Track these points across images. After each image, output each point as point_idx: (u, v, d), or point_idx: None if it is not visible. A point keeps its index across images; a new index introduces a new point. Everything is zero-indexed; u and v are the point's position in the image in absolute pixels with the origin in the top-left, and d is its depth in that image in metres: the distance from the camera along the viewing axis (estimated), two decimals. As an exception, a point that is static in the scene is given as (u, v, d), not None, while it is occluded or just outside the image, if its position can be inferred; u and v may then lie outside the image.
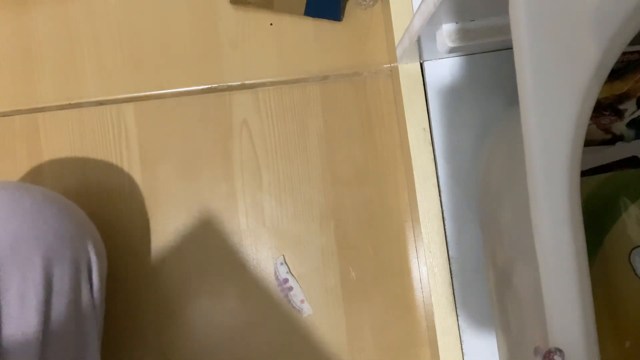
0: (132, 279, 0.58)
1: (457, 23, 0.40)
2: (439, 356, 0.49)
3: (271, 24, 0.59)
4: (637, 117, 0.47)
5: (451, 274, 0.49)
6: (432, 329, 0.51)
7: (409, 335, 0.57)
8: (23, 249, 0.38)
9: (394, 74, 0.56)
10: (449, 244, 0.49)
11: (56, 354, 0.39)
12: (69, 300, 0.41)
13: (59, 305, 0.39)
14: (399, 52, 0.49)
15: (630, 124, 0.48)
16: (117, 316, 0.57)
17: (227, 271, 0.58)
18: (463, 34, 0.40)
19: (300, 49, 0.59)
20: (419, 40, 0.43)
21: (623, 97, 0.46)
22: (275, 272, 0.58)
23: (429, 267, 0.49)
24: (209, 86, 0.59)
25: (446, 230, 0.50)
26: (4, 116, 0.59)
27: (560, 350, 0.24)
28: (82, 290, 0.42)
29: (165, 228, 0.58)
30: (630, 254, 0.41)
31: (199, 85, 0.59)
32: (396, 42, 0.50)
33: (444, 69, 0.50)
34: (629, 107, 0.47)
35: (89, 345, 0.43)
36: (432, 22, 0.38)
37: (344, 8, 0.58)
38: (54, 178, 0.59)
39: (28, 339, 0.37)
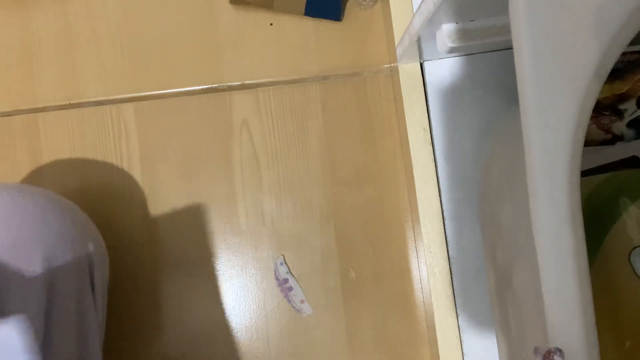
0: (132, 278, 0.58)
1: (457, 23, 0.40)
2: (439, 356, 0.49)
3: (271, 24, 0.59)
4: (637, 117, 0.47)
5: (451, 274, 0.49)
6: (432, 328, 0.51)
7: (409, 335, 0.57)
8: (24, 250, 0.38)
9: (394, 74, 0.56)
10: (449, 244, 0.49)
11: (58, 355, 0.39)
12: (71, 301, 0.40)
13: (61, 306, 0.39)
14: (399, 52, 0.49)
15: (630, 124, 0.48)
16: (117, 316, 0.57)
17: (227, 271, 0.58)
18: (463, 34, 0.40)
19: (300, 49, 0.59)
20: (419, 40, 0.43)
21: (623, 97, 0.46)
22: (275, 272, 0.58)
23: (429, 267, 0.49)
24: (209, 86, 0.59)
25: (446, 230, 0.50)
26: (4, 116, 0.59)
27: (560, 350, 0.24)
28: (84, 291, 0.42)
29: (165, 228, 0.58)
30: (630, 254, 0.41)
31: (199, 85, 0.59)
32: (396, 42, 0.50)
33: (444, 69, 0.50)
34: (629, 107, 0.47)
35: (91, 346, 0.43)
36: (432, 22, 0.38)
37: (344, 8, 0.58)
38: (54, 178, 0.59)
39: None
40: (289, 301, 0.57)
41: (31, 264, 0.37)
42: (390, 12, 0.51)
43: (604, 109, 0.47)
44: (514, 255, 0.38)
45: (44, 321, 0.38)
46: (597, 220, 0.42)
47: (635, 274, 0.41)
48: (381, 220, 0.58)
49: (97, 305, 0.44)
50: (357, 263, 0.58)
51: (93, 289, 0.43)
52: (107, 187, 0.59)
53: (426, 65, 0.50)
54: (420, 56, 0.49)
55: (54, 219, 0.40)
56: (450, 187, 0.50)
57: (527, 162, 0.25)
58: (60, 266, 0.39)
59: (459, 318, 0.49)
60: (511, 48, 0.25)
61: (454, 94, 0.50)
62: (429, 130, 0.50)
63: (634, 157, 0.46)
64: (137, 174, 0.59)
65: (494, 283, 0.45)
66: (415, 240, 0.57)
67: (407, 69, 0.50)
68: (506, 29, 0.40)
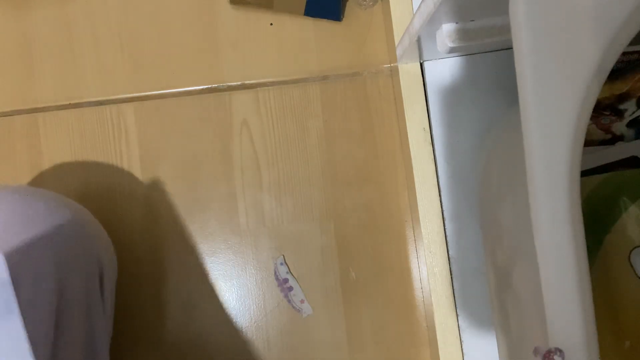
0: (132, 278, 0.58)
1: (457, 23, 0.40)
2: (439, 356, 0.49)
3: (271, 24, 0.59)
4: (637, 117, 0.47)
5: (451, 274, 0.49)
6: (432, 328, 0.51)
7: (408, 335, 0.57)
8: (35, 255, 0.37)
9: (394, 74, 0.56)
10: (449, 244, 0.49)
11: (66, 359, 0.38)
12: (80, 306, 0.40)
13: (71, 311, 0.39)
14: (399, 52, 0.49)
15: (630, 124, 0.48)
16: (117, 316, 0.57)
17: (228, 271, 0.58)
18: (463, 34, 0.40)
19: (300, 49, 0.59)
20: (419, 40, 0.43)
21: (623, 97, 0.46)
22: (275, 272, 0.58)
23: (429, 267, 0.49)
24: (209, 86, 0.59)
25: (446, 230, 0.50)
26: (4, 116, 0.59)
27: (560, 350, 0.24)
28: (93, 296, 0.42)
29: (165, 228, 0.58)
30: (630, 254, 0.41)
31: (199, 85, 0.59)
32: (396, 42, 0.50)
33: (444, 69, 0.50)
34: (629, 107, 0.47)
35: (99, 350, 0.42)
36: (432, 22, 0.38)
37: (344, 8, 0.58)
38: (54, 178, 0.59)
39: (40, 345, 0.36)
40: (289, 301, 0.57)
41: (42, 268, 0.37)
42: (390, 12, 0.51)
43: (604, 109, 0.47)
44: (514, 255, 0.38)
45: (54, 325, 0.37)
46: (597, 220, 0.42)
47: (635, 274, 0.41)
48: (381, 220, 0.58)
49: (106, 309, 0.44)
50: (357, 263, 0.58)
51: (102, 293, 0.43)
52: (107, 187, 0.59)
53: (426, 65, 0.50)
54: (420, 56, 0.49)
55: (65, 223, 0.40)
56: (450, 187, 0.50)
57: (527, 162, 0.25)
58: (71, 270, 0.39)
59: (459, 318, 0.49)
60: (511, 48, 0.25)
61: (454, 94, 0.50)
62: (429, 130, 0.50)
63: (634, 157, 0.47)
64: (137, 174, 0.59)
65: (494, 283, 0.45)
66: (415, 240, 0.57)
67: (407, 69, 0.50)
68: (506, 29, 0.40)
